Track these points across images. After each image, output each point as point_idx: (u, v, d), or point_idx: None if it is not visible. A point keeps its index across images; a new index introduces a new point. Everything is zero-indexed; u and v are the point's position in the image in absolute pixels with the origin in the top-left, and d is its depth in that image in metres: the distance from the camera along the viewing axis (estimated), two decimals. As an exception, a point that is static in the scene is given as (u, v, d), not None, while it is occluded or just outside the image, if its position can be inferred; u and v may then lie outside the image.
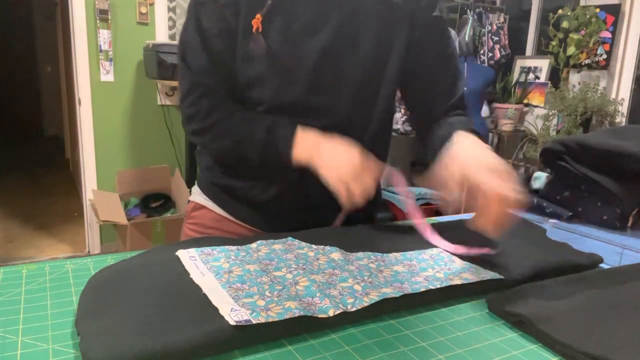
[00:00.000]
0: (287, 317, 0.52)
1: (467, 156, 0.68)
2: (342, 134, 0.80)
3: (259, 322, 0.50)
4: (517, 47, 3.37)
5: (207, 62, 0.81)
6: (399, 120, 3.25)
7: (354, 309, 0.56)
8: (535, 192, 1.15)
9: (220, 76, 0.82)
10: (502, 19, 3.27)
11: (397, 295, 0.58)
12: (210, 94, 0.82)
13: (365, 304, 0.57)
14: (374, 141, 0.86)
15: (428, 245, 0.78)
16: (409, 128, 3.25)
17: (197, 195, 0.94)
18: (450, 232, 0.88)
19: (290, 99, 0.81)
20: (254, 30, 0.78)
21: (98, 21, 2.83)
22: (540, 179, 1.15)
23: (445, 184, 0.67)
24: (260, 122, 0.81)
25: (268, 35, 0.78)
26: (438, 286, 0.62)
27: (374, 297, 0.58)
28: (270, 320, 0.51)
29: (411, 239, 0.82)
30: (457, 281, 0.64)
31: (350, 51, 0.81)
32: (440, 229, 0.91)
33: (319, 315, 0.54)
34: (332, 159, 0.76)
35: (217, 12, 0.78)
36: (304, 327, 0.53)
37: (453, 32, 3.20)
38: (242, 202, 0.89)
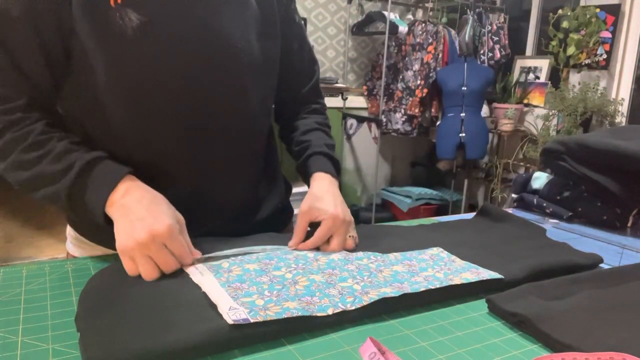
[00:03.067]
0: (286, 316, 0.52)
1: (314, 198, 0.79)
2: (224, 118, 0.76)
3: (256, 320, 0.50)
4: (517, 47, 3.37)
5: None
6: (399, 120, 3.25)
7: (353, 308, 0.56)
8: (535, 192, 1.15)
9: (20, 80, 0.67)
10: (502, 19, 3.27)
11: (397, 295, 0.58)
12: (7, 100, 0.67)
13: (365, 303, 0.57)
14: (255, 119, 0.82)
15: (428, 245, 0.78)
16: (409, 128, 3.25)
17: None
18: (450, 231, 0.89)
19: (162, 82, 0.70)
20: (112, 2, 0.65)
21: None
22: (540, 179, 1.15)
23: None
24: (75, 156, 0.67)
25: (136, 4, 0.66)
26: (438, 286, 0.62)
27: (373, 296, 0.58)
28: (269, 319, 0.51)
29: (411, 239, 0.82)
30: (457, 281, 0.64)
31: (221, 23, 0.74)
32: (440, 229, 0.91)
33: (318, 314, 0.54)
34: (128, 226, 0.62)
35: None
36: (303, 327, 0.53)
37: (453, 32, 3.20)
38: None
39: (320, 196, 0.79)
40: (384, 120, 3.32)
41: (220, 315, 0.51)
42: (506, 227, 0.90)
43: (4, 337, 0.50)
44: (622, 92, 2.81)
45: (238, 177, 0.82)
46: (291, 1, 0.88)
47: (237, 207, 0.83)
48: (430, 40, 3.10)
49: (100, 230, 0.75)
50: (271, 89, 0.85)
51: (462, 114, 2.99)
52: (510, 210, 1.13)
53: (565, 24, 2.79)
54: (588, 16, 2.73)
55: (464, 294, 0.65)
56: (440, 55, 3.13)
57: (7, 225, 3.45)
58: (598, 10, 2.74)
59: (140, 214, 0.63)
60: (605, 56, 2.81)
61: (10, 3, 0.64)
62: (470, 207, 3.43)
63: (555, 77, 3.04)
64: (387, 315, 0.59)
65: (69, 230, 0.86)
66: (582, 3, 2.87)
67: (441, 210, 3.41)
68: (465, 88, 2.97)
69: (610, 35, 2.78)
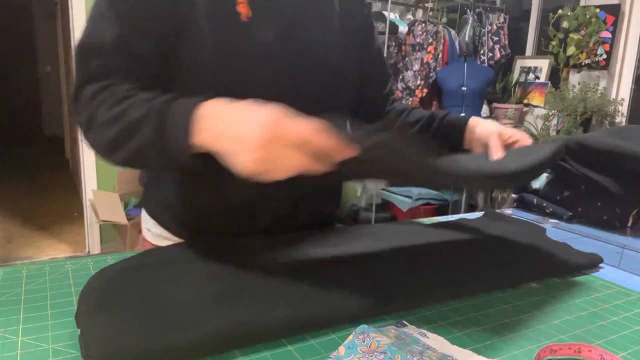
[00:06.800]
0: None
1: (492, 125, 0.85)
2: None
3: None
4: (517, 47, 3.37)
5: (116, 40, 0.62)
6: (399, 120, 3.24)
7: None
8: (535, 192, 1.15)
9: (130, 73, 0.63)
10: (502, 19, 3.27)
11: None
12: (107, 78, 0.63)
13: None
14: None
15: (429, 244, 0.78)
16: (409, 128, 3.24)
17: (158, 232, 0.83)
18: (450, 231, 0.89)
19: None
20: (243, 18, 0.63)
21: (98, 21, 2.82)
22: (540, 179, 1.15)
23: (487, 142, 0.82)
24: (154, 102, 0.58)
25: (258, 25, 0.64)
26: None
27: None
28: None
29: (412, 239, 0.81)
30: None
31: (324, 45, 0.75)
32: (440, 228, 0.91)
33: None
34: (235, 124, 0.51)
35: None
36: (304, 327, 0.53)
37: (453, 32, 3.20)
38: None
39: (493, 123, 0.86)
40: (384, 120, 3.32)
41: (220, 315, 0.51)
42: (507, 227, 0.90)
43: (4, 337, 0.50)
44: (622, 92, 2.82)
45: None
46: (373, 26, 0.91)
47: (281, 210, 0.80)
48: (430, 40, 3.11)
49: (177, 221, 0.76)
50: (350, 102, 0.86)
51: (462, 114, 2.99)
52: (510, 211, 1.13)
53: (565, 24, 2.79)
54: (588, 16, 2.73)
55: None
56: (440, 55, 3.13)
57: (7, 225, 3.45)
58: (598, 10, 2.75)
59: (242, 107, 0.52)
60: (605, 56, 2.81)
61: None
62: (470, 207, 3.43)
63: (555, 77, 3.04)
64: (387, 315, 0.59)
65: (145, 216, 0.85)
66: (582, 3, 2.87)
67: (441, 210, 3.40)
68: (465, 88, 2.97)
69: (610, 35, 2.78)
